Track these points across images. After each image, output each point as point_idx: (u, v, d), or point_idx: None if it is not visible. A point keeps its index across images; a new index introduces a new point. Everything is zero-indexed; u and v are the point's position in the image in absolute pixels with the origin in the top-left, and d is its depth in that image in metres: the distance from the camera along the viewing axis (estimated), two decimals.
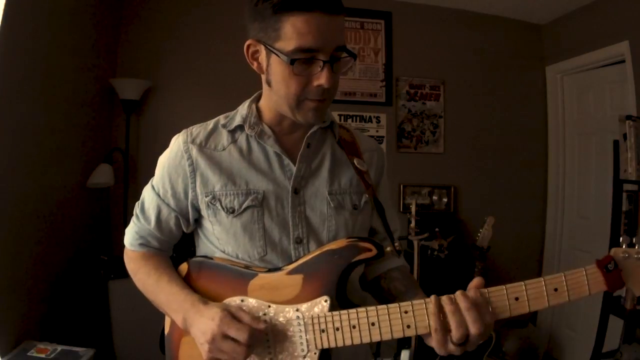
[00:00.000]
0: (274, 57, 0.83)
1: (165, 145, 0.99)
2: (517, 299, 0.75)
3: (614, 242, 2.32)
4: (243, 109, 0.97)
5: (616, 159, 2.32)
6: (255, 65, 0.90)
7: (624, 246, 0.75)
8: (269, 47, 0.83)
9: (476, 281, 0.78)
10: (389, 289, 1.00)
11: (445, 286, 0.81)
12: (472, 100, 3.30)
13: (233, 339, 0.79)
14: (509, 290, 0.75)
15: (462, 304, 0.75)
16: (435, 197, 3.22)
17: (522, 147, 3.38)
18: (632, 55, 2.64)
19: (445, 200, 3.22)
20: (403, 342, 2.22)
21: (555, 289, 0.74)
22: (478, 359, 2.44)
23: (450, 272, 2.71)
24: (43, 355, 1.82)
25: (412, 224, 2.72)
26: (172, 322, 0.94)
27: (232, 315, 0.81)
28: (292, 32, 0.79)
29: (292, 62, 0.80)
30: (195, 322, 0.83)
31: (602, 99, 3.03)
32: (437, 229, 2.85)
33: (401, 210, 3.14)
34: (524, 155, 3.39)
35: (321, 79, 0.82)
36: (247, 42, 0.88)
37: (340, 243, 0.87)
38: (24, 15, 1.86)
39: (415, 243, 2.60)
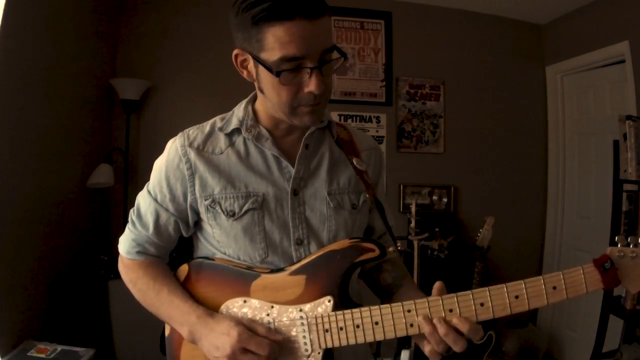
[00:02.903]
0: (261, 67, 0.81)
1: (165, 146, 0.98)
2: (517, 297, 0.76)
3: (614, 242, 2.31)
4: (239, 110, 0.96)
5: (616, 159, 2.32)
6: (245, 74, 0.88)
7: (619, 245, 0.77)
8: (254, 57, 0.82)
9: (437, 286, 0.82)
10: (378, 280, 1.02)
11: (445, 286, 0.82)
12: (472, 100, 3.30)
13: (253, 352, 0.80)
14: (509, 288, 0.77)
15: (441, 330, 0.78)
16: (435, 197, 3.22)
17: (522, 147, 3.38)
18: (632, 55, 2.64)
19: (445, 200, 3.22)
20: (403, 342, 2.22)
21: (554, 287, 0.76)
22: (478, 359, 2.44)
23: (450, 272, 2.71)
24: (43, 355, 1.82)
25: (412, 224, 2.72)
26: None
27: (248, 328, 0.81)
28: (274, 42, 0.77)
29: (278, 74, 0.78)
30: (206, 336, 0.83)
31: (602, 99, 3.03)
32: (437, 229, 2.85)
33: (401, 210, 3.14)
34: (524, 155, 3.39)
35: (311, 86, 0.80)
36: (235, 52, 0.86)
37: (343, 244, 0.87)
38: (24, 15, 1.86)
39: (415, 243, 2.60)
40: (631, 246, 0.77)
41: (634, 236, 0.77)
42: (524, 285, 0.76)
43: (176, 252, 1.04)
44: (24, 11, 1.86)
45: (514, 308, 0.77)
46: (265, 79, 0.83)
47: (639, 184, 2.26)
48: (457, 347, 0.78)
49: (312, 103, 0.84)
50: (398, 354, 2.36)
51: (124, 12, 2.84)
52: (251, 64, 0.85)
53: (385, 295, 1.00)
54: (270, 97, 0.86)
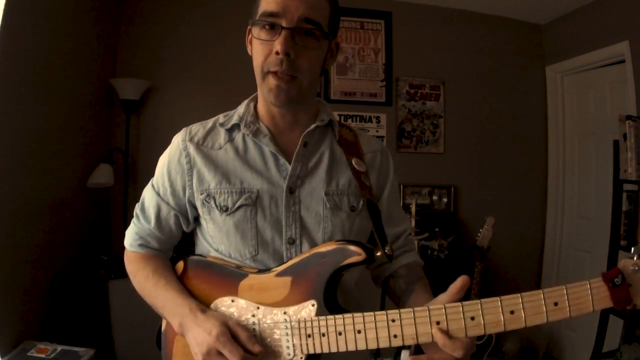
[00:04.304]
0: (251, 33, 0.89)
1: (165, 145, 0.99)
2: (512, 312, 0.69)
3: (614, 242, 2.32)
4: (241, 108, 0.98)
5: (616, 159, 2.32)
6: (249, 49, 0.93)
7: (635, 257, 0.66)
8: (250, 25, 0.89)
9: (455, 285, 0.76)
10: (394, 288, 0.99)
11: (445, 287, 0.79)
12: (472, 100, 3.30)
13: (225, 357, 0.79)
14: (504, 302, 0.70)
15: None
16: (435, 197, 3.22)
17: (522, 147, 3.38)
18: (632, 55, 2.64)
19: (445, 200, 3.22)
20: None
21: (556, 304, 0.68)
22: (478, 359, 2.44)
23: (450, 272, 2.70)
24: (43, 355, 1.82)
25: (412, 224, 2.72)
26: None
27: (229, 330, 0.80)
28: (262, 3, 0.86)
29: (253, 23, 0.86)
30: (192, 330, 0.83)
31: (602, 99, 3.03)
32: (437, 229, 2.85)
33: None
34: (524, 155, 3.38)
35: (276, 44, 0.83)
36: (248, 28, 0.93)
37: (329, 246, 0.84)
38: (24, 15, 1.86)
39: (415, 243, 2.60)
40: None
41: None
42: (520, 300, 0.69)
43: (176, 251, 1.04)
44: (24, 11, 1.86)
45: (508, 325, 0.69)
46: (253, 45, 0.89)
47: (639, 184, 2.26)
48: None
49: (276, 69, 0.84)
50: (398, 354, 2.36)
51: (124, 12, 2.84)
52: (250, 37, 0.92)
53: (399, 303, 0.96)
54: (254, 67, 0.89)
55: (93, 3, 2.51)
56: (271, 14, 0.83)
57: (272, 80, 0.85)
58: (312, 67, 0.88)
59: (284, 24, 0.83)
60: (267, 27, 0.85)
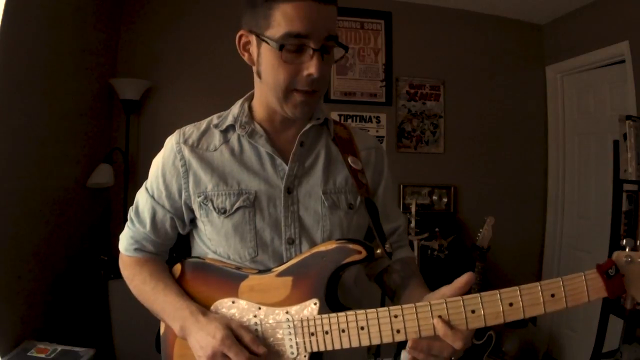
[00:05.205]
0: (264, 46, 0.82)
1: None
2: (511, 304, 0.72)
3: (614, 242, 2.31)
4: (235, 108, 0.96)
5: (616, 159, 2.32)
6: (246, 57, 0.90)
7: (627, 249, 0.69)
8: (259, 35, 0.83)
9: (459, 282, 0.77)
10: (389, 283, 0.99)
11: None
12: (472, 100, 3.30)
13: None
14: (503, 295, 0.72)
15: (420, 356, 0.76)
16: (435, 197, 3.22)
17: (522, 147, 3.38)
18: (632, 55, 2.64)
19: (445, 200, 3.22)
20: (403, 342, 2.22)
21: (552, 295, 0.70)
22: (478, 359, 2.44)
23: (450, 272, 2.71)
24: (43, 355, 1.82)
25: (412, 224, 2.72)
26: None
27: (233, 332, 0.81)
28: (281, 18, 0.79)
29: (280, 47, 0.79)
30: (194, 333, 0.83)
31: (602, 99, 3.03)
32: (437, 229, 2.85)
33: (401, 210, 3.14)
34: (524, 155, 3.39)
35: (311, 67, 0.81)
36: (239, 33, 0.88)
37: (330, 245, 0.85)
38: (24, 15, 1.86)
39: (415, 243, 2.60)
40: None
41: None
42: (519, 292, 0.71)
43: (176, 251, 1.04)
44: (24, 11, 1.86)
45: (507, 316, 0.72)
46: (266, 59, 0.83)
47: (639, 184, 2.26)
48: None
49: (307, 88, 0.83)
50: (398, 354, 2.37)
51: (124, 12, 2.84)
52: (254, 45, 0.86)
53: (394, 297, 0.97)
54: (267, 80, 0.85)
55: (93, 3, 2.51)
56: (298, 35, 0.79)
57: (298, 97, 0.84)
58: (329, 76, 0.89)
59: (312, 45, 0.80)
60: (291, 47, 0.80)
